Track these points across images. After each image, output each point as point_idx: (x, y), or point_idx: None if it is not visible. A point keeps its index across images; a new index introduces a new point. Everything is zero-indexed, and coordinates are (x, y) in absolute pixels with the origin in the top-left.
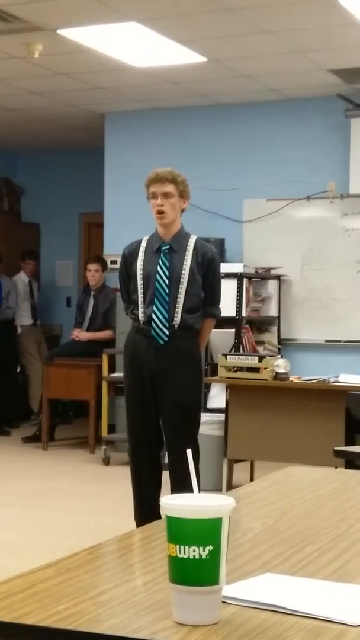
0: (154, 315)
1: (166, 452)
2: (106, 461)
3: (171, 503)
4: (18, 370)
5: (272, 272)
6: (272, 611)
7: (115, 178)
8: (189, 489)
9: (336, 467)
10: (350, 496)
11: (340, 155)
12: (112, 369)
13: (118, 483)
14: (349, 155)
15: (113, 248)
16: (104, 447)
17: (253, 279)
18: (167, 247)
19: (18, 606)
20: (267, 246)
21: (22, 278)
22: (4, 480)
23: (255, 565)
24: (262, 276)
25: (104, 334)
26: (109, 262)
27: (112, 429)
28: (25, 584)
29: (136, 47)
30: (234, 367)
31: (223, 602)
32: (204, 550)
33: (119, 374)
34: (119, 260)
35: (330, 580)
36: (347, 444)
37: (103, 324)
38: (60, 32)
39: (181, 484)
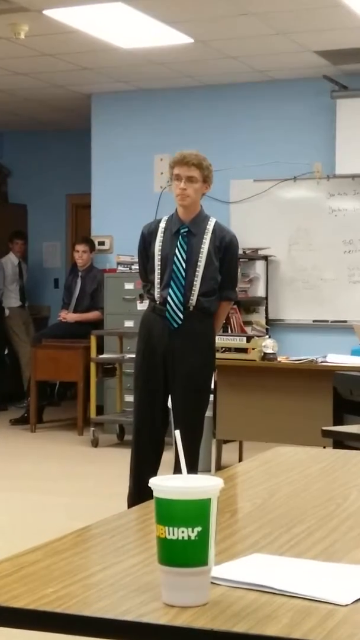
0: (169, 298)
1: (172, 433)
2: (94, 443)
3: (159, 484)
4: (6, 352)
5: (260, 252)
6: (260, 591)
7: (102, 159)
8: (193, 471)
9: (324, 447)
10: (338, 476)
11: (327, 137)
12: (100, 350)
13: (106, 464)
14: (335, 136)
15: (100, 229)
16: (92, 428)
17: (241, 260)
18: (186, 229)
19: (6, 589)
20: (255, 227)
21: (11, 259)
22: None
23: (244, 545)
24: (249, 257)
25: (92, 315)
26: (96, 243)
27: (100, 410)
28: (13, 566)
29: (122, 28)
30: (222, 347)
31: (212, 582)
32: (192, 532)
33: (107, 355)
34: (106, 241)
35: (319, 560)
36: (335, 424)
37: (90, 305)
38: (46, 12)
39: (186, 466)
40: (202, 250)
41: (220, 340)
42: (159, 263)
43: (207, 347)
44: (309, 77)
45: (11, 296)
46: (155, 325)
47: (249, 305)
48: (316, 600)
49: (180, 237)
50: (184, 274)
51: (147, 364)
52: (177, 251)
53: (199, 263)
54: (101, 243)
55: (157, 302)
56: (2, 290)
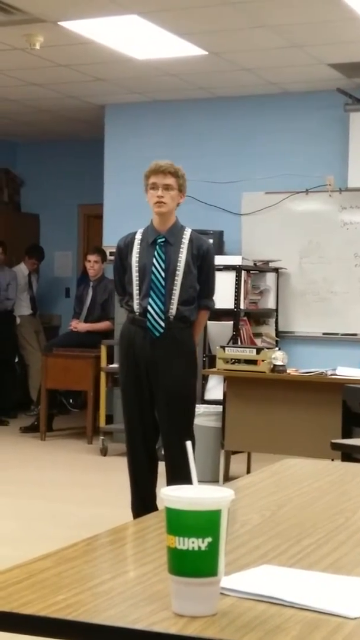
0: (149, 307)
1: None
2: (104, 451)
3: (171, 495)
4: (16, 360)
5: (271, 264)
6: (270, 603)
7: (115, 170)
8: (184, 481)
9: (332, 460)
10: (347, 489)
11: (339, 150)
12: (110, 359)
13: (115, 473)
14: (348, 149)
15: (112, 239)
16: (101, 437)
17: (251, 272)
18: (163, 239)
19: (17, 596)
20: (266, 239)
21: (22, 270)
22: (1, 470)
23: (253, 557)
24: (260, 269)
25: (102, 325)
26: (108, 254)
27: (109, 419)
28: (23, 574)
29: (137, 39)
30: (231, 359)
31: (221, 593)
32: (203, 542)
33: (117, 365)
34: None
35: (328, 573)
36: (344, 437)
37: (101, 314)
38: (62, 24)
39: (176, 476)
40: (180, 259)
41: (230, 352)
42: (137, 274)
43: (189, 356)
44: (322, 90)
45: (22, 305)
46: (136, 336)
47: (259, 317)
48: (325, 613)
49: (157, 247)
50: (163, 282)
51: (132, 377)
52: (154, 261)
53: (177, 272)
54: (113, 253)
55: (137, 313)
56: (14, 300)
